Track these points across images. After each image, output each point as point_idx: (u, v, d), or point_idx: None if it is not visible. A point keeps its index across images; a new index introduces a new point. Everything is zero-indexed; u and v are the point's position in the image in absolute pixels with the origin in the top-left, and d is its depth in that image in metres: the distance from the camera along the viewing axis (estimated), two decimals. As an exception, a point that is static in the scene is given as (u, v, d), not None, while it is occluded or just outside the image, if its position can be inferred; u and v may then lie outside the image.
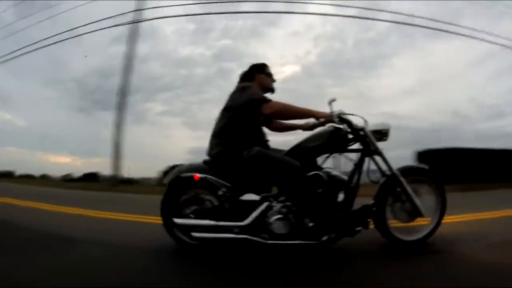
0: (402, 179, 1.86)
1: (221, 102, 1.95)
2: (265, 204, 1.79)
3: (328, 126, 1.94)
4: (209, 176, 1.85)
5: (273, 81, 2.01)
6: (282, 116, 1.79)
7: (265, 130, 2.07)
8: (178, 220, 1.86)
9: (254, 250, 1.90)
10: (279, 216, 1.77)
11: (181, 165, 2.01)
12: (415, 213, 1.92)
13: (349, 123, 1.86)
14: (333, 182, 1.82)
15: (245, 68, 2.05)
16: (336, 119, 1.78)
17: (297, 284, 1.47)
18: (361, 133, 1.88)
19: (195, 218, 1.86)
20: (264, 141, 1.93)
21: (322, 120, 1.78)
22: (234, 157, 1.79)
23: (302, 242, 1.79)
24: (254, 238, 1.78)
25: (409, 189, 1.87)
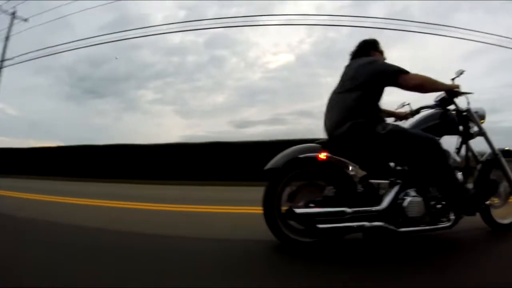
0: (503, 160, 1.91)
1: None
2: (398, 187, 1.61)
3: (428, 111, 1.92)
4: (335, 156, 1.60)
5: (385, 59, 1.92)
6: (423, 90, 1.67)
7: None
8: (299, 210, 1.53)
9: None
10: (412, 199, 1.60)
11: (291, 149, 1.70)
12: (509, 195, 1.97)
13: (456, 105, 1.86)
14: (455, 161, 1.76)
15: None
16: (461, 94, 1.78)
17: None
18: (465, 114, 1.90)
19: (317, 207, 1.56)
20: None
21: (456, 90, 1.76)
22: (367, 133, 1.59)
23: (434, 227, 1.65)
24: (390, 226, 1.56)
25: (509, 170, 1.93)
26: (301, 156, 1.61)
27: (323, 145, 1.68)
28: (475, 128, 1.91)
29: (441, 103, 1.90)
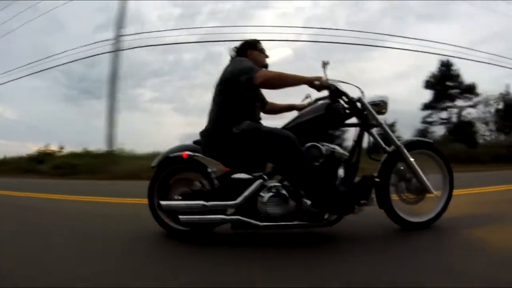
0: (407, 153, 1.72)
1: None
2: (258, 182, 1.65)
3: (323, 102, 1.83)
4: (198, 154, 1.73)
5: (267, 57, 1.92)
6: (275, 85, 1.64)
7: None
8: (164, 202, 1.72)
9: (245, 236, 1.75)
10: (273, 195, 1.62)
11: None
12: (423, 190, 1.77)
13: (345, 94, 1.74)
14: (332, 155, 1.69)
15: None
16: (332, 87, 1.66)
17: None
18: (359, 105, 1.76)
19: (184, 200, 1.73)
20: (257, 119, 1.81)
21: (317, 83, 1.63)
22: (223, 132, 1.67)
23: (301, 223, 1.64)
24: (247, 220, 1.63)
25: (415, 164, 1.73)
26: (171, 155, 1.78)
27: (198, 143, 1.81)
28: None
29: (333, 94, 1.79)
